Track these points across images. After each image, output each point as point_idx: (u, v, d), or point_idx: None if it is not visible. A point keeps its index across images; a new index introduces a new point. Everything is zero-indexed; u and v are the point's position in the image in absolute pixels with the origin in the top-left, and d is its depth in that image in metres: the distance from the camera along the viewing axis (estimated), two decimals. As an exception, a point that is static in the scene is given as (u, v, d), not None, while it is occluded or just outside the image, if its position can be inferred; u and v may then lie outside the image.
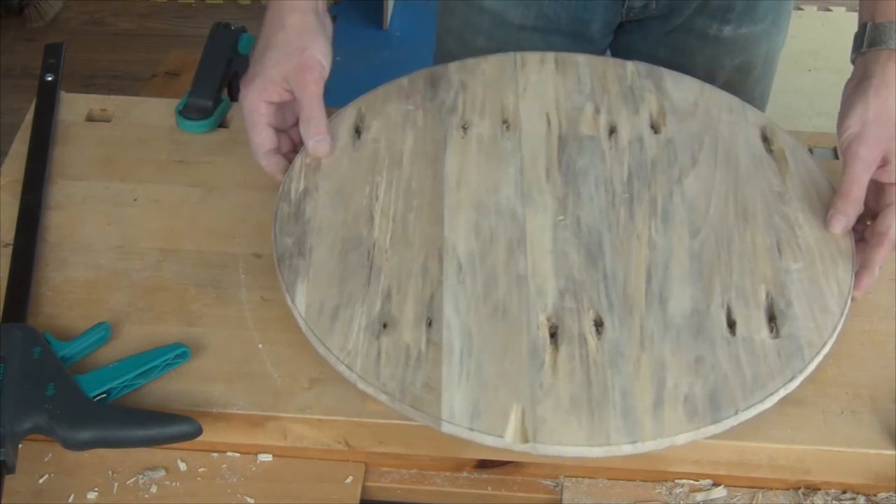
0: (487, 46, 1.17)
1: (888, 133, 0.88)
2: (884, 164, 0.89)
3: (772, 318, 0.85)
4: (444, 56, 1.25)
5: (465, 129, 1.00)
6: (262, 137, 0.94)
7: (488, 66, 1.05)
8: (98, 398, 0.80)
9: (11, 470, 0.76)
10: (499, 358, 0.82)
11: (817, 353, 0.82)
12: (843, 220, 0.89)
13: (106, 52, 2.50)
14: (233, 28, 1.10)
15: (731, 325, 0.84)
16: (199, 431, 0.78)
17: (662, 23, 1.16)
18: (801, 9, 2.67)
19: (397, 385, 0.80)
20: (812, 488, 0.83)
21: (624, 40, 1.20)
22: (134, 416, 0.79)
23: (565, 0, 1.14)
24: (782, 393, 0.80)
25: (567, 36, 1.15)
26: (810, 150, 1.02)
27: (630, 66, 1.05)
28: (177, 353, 0.84)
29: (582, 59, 1.06)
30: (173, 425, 0.78)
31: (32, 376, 0.79)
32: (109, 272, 0.92)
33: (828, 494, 0.83)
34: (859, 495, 0.82)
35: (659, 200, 0.93)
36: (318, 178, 0.95)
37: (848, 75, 0.94)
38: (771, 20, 1.16)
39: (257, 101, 0.93)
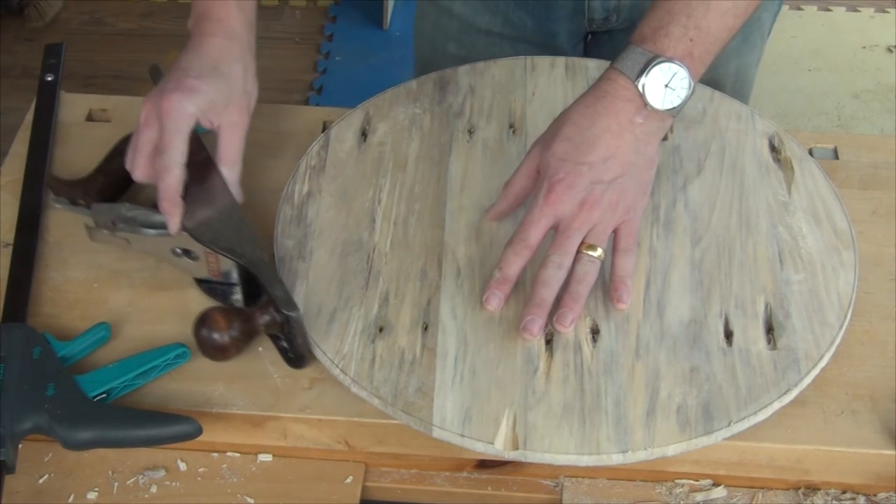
0: (457, 52, 1.17)
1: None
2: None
3: (770, 330, 0.85)
4: (419, 59, 1.24)
5: (471, 132, 0.99)
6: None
7: (498, 70, 1.05)
8: (98, 398, 0.80)
9: (11, 470, 0.76)
10: (493, 364, 0.81)
11: (814, 366, 0.82)
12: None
13: (106, 52, 2.50)
14: (233, 28, 1.10)
15: (729, 335, 0.84)
16: (199, 431, 0.78)
17: (627, 36, 1.16)
18: (802, 9, 2.67)
19: (390, 389, 0.80)
20: (812, 488, 0.83)
21: (594, 53, 1.19)
22: (134, 416, 0.79)
23: (529, 7, 1.14)
24: (777, 406, 0.80)
25: (536, 46, 1.15)
26: (810, 151, 1.02)
27: None
28: (177, 353, 0.84)
29: (592, 63, 1.05)
30: (173, 425, 0.78)
31: (32, 376, 0.79)
32: (109, 272, 0.92)
33: (828, 494, 0.83)
34: (859, 495, 0.82)
35: (662, 208, 0.93)
36: (321, 181, 0.95)
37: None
38: (740, 37, 1.15)
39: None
